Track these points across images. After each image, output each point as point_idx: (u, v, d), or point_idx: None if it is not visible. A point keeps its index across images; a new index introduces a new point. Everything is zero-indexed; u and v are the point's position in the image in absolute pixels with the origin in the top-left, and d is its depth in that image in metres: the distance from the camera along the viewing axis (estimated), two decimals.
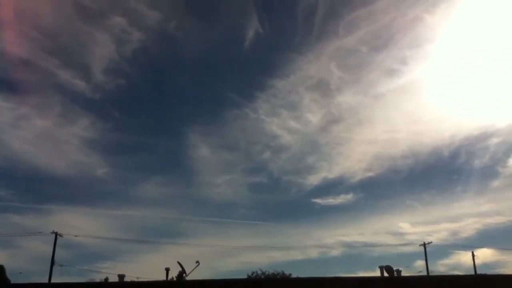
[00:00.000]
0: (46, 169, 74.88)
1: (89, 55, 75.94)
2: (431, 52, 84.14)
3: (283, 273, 44.39)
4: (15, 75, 71.98)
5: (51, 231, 45.02)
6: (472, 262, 53.12)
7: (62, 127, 75.74)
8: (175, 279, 27.65)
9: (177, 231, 74.72)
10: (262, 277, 42.79)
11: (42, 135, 74.28)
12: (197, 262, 27.31)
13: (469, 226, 71.40)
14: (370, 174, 76.99)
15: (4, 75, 70.83)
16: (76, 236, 47.57)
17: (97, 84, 73.78)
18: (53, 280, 40.80)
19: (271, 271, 45.04)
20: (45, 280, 40.72)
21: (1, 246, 59.73)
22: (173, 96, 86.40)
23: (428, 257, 52.01)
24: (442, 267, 61.32)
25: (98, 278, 42.26)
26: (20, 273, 47.88)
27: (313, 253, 69.61)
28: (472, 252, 53.52)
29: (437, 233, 72.60)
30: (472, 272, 50.04)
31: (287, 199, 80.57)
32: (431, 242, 52.69)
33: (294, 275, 41.15)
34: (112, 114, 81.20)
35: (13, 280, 43.17)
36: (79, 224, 61.68)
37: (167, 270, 27.14)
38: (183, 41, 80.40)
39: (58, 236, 45.02)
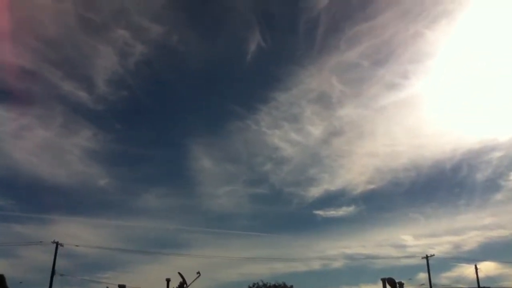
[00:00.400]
0: (47, 179, 74.79)
1: (92, 67, 76.30)
2: (431, 66, 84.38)
3: (284, 284, 44.14)
4: (18, 86, 72.57)
5: (52, 240, 44.83)
6: (475, 275, 52.63)
7: (64, 138, 75.85)
8: None
9: (178, 242, 74.32)
10: None
11: (44, 145, 74.45)
12: (198, 273, 27.23)
13: (471, 239, 70.97)
14: (372, 186, 76.83)
15: (7, 85, 71.19)
16: (77, 246, 47.42)
17: (100, 96, 74.17)
18: None
19: (272, 283, 44.80)
20: None
21: (2, 256, 59.48)
22: (175, 108, 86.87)
23: (430, 270, 51.66)
24: (445, 279, 60.79)
25: None
26: (21, 282, 47.76)
27: (315, 265, 69.11)
28: (475, 265, 53.07)
29: (440, 246, 72.10)
30: (475, 285, 49.65)
31: (289, 210, 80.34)
32: (434, 255, 52.31)
33: (295, 287, 40.91)
34: (114, 125, 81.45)
35: None
36: (80, 234, 61.45)
37: (168, 280, 27.10)
38: (185, 54, 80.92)
39: (59, 246, 44.85)
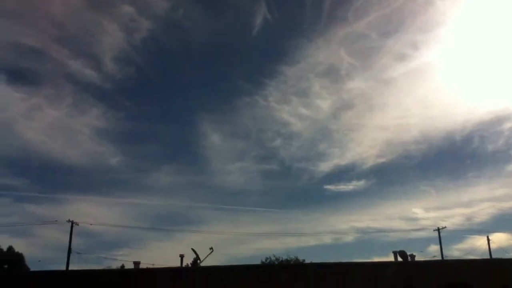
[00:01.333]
0: (59, 159, 75.92)
1: (98, 44, 76.22)
2: (442, 36, 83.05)
3: (296, 259, 44.61)
4: (25, 65, 72.74)
5: (67, 219, 45.76)
6: (487, 246, 52.82)
7: (74, 117, 76.61)
8: (189, 265, 27.93)
9: (190, 219, 75.52)
10: (276, 263, 43.03)
11: (55, 125, 75.23)
12: (211, 248, 27.46)
13: (483, 211, 71.00)
14: (382, 160, 76.65)
15: (15, 65, 71.42)
16: (91, 224, 48.35)
17: (108, 74, 74.26)
18: (71, 268, 41.61)
19: (284, 257, 45.29)
20: (63, 267, 41.58)
21: (19, 235, 61.14)
22: (183, 84, 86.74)
23: (442, 242, 51.88)
24: (456, 251, 61.16)
25: (115, 265, 43.05)
26: (39, 261, 49.20)
27: (326, 239, 69.93)
28: (487, 237, 53.21)
29: (451, 218, 72.40)
30: (488, 257, 49.78)
31: (299, 186, 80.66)
32: (445, 227, 52.52)
33: (307, 261, 41.31)
34: (123, 103, 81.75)
35: (32, 268, 44.34)
36: (94, 213, 62.70)
37: (182, 256, 27.39)
38: (191, 29, 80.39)
39: (74, 225, 45.72)
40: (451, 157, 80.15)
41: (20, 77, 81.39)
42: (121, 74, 77.15)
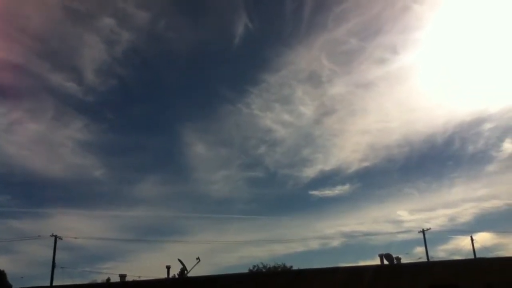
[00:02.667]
0: (42, 173, 74.60)
1: (80, 57, 75.45)
2: (420, 40, 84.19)
3: (284, 265, 44.60)
4: (5, 80, 71.59)
5: (51, 234, 44.99)
6: (471, 246, 53.54)
7: (56, 130, 75.47)
8: (176, 276, 27.72)
9: (176, 229, 74.97)
10: (264, 270, 42.94)
11: (37, 139, 73.97)
12: (198, 258, 27.38)
13: (466, 211, 72.00)
14: (366, 164, 77.31)
15: None
16: (75, 238, 47.66)
17: (89, 86, 73.49)
18: (55, 283, 40.79)
19: (272, 264, 45.25)
20: (47, 283, 40.76)
21: (1, 252, 59.67)
22: (166, 95, 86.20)
23: (427, 244, 52.41)
24: (441, 252, 61.83)
25: (100, 279, 42.40)
26: (22, 277, 48.23)
27: (314, 245, 69.91)
28: (471, 237, 53.88)
29: (435, 219, 73.34)
30: (472, 256, 50.45)
31: (285, 192, 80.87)
32: (430, 229, 53.05)
33: (295, 267, 41.32)
34: (106, 115, 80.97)
35: (15, 285, 43.22)
36: (78, 226, 61.69)
37: (168, 268, 27.19)
38: (173, 39, 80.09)
39: (57, 239, 44.99)
40: (433, 159, 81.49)
41: (0, 92, 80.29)
42: (103, 86, 76.68)
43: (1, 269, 46.07)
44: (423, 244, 52.23)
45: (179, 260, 27.17)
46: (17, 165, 71.85)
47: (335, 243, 69.12)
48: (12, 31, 68.79)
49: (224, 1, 78.83)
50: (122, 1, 73.24)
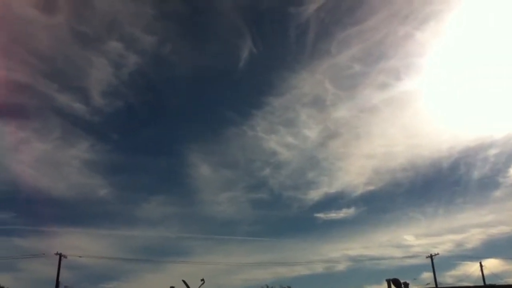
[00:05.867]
0: (47, 192, 74.58)
1: (87, 79, 76.31)
2: (423, 67, 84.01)
3: None
4: (14, 100, 72.84)
5: (55, 252, 44.86)
6: (479, 272, 52.52)
7: (62, 150, 75.61)
8: None
9: (180, 250, 74.16)
10: None
11: (43, 158, 74.30)
12: (202, 280, 27.09)
13: (474, 237, 70.88)
14: (371, 187, 76.71)
15: (4, 100, 71.45)
16: (80, 257, 47.35)
17: (96, 107, 74.27)
18: None
19: (277, 287, 44.67)
20: None
21: (5, 270, 59.25)
22: (171, 117, 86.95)
23: (435, 269, 51.55)
24: (449, 278, 60.56)
25: None
26: None
27: (318, 268, 68.86)
28: (480, 263, 52.95)
29: (442, 245, 71.97)
30: (481, 283, 49.49)
31: (289, 214, 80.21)
32: (438, 254, 52.28)
33: None
34: (111, 136, 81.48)
35: None
36: (82, 245, 61.41)
37: None
38: (178, 63, 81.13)
39: (62, 258, 44.82)
40: (439, 183, 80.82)
41: (8, 111, 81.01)
42: (109, 107, 77.45)
43: (6, 287, 45.93)
44: (430, 270, 51.36)
45: (184, 281, 26.92)
46: (23, 184, 72.03)
47: (341, 267, 67.93)
48: (21, 52, 70.40)
49: (229, 26, 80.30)
50: (129, 26, 75.06)
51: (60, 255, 44.76)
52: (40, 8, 67.61)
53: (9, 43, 69.31)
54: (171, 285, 26.90)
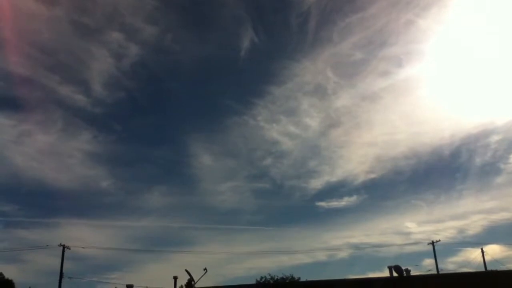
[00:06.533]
0: (50, 183, 75.05)
1: (88, 70, 76.39)
2: (425, 54, 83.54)
3: (292, 277, 44.16)
4: (16, 93, 72.89)
5: (58, 244, 45.13)
6: (481, 258, 52.79)
7: (65, 142, 76.15)
8: (184, 287, 27.57)
9: (183, 240, 74.77)
10: (271, 282, 42.57)
11: (46, 150, 74.58)
12: (205, 269, 27.16)
13: (475, 223, 71.19)
14: (372, 175, 76.85)
15: (6, 93, 71.58)
16: (83, 248, 47.65)
17: (98, 98, 74.38)
18: None
19: (280, 276, 44.83)
20: None
21: (9, 261, 59.87)
22: (173, 107, 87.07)
23: (436, 256, 51.76)
24: (451, 265, 61.00)
25: None
26: (30, 287, 48.28)
27: (321, 256, 69.45)
28: (482, 249, 53.16)
29: (444, 231, 72.53)
30: (483, 269, 49.71)
31: (291, 203, 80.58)
32: (440, 241, 52.46)
33: (303, 279, 40.94)
34: (114, 127, 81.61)
35: None
36: (85, 236, 61.74)
37: (175, 278, 27.12)
38: (179, 53, 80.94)
39: (65, 249, 45.07)
40: (441, 171, 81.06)
41: (10, 104, 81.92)
42: (111, 98, 77.58)
43: (10, 278, 46.26)
44: (432, 256, 51.72)
45: (186, 271, 27.01)
46: (26, 176, 72.52)
47: (343, 254, 68.54)
48: (22, 45, 70.15)
49: (230, 15, 79.93)
50: (130, 16, 74.78)
51: (64, 247, 45.02)
52: (41, 0, 67.53)
53: (10, 36, 69.06)
54: (174, 275, 26.99)
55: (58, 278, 43.72)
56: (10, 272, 50.25)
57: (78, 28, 73.36)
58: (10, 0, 64.66)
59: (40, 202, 75.35)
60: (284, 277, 44.39)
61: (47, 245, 46.29)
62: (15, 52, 69.75)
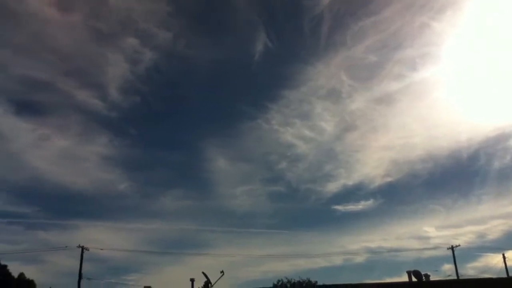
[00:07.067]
0: (69, 186, 76.20)
1: (104, 75, 77.83)
2: (440, 57, 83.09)
3: (309, 280, 43.86)
4: (34, 98, 74.66)
5: (77, 245, 45.71)
6: (502, 264, 51.58)
7: (82, 146, 77.25)
8: None
9: (199, 242, 74.98)
10: (288, 285, 42.37)
11: (64, 153, 75.89)
12: (222, 272, 27.26)
13: (495, 228, 69.67)
14: (389, 179, 75.96)
15: (25, 98, 73.33)
16: (101, 249, 48.18)
17: (113, 103, 75.51)
18: None
19: (296, 279, 44.59)
20: None
21: (30, 262, 60.85)
22: (187, 111, 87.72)
23: (456, 261, 50.83)
24: (471, 270, 59.77)
25: None
26: (50, 287, 48.99)
27: (337, 260, 68.85)
28: (503, 254, 51.99)
29: (463, 236, 71.06)
30: (504, 275, 48.65)
31: (307, 207, 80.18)
32: (459, 245, 51.52)
33: (320, 283, 40.62)
34: (129, 131, 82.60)
35: None
36: (103, 238, 62.68)
37: (192, 280, 27.24)
38: (193, 57, 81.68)
39: (84, 250, 45.63)
40: (458, 174, 79.82)
41: (28, 108, 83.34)
42: (126, 103, 78.68)
43: (31, 279, 47.08)
44: (451, 261, 50.68)
45: (203, 273, 27.13)
46: (45, 179, 73.85)
47: (360, 259, 67.65)
48: (40, 51, 71.84)
49: (244, 20, 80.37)
50: (144, 22, 75.88)
51: (82, 248, 45.58)
52: (57, 6, 69.08)
53: (28, 42, 70.84)
54: (191, 277, 27.11)
55: (77, 279, 44.30)
56: (30, 273, 51.17)
57: (94, 34, 74.86)
58: (28, 7, 66.64)
59: (59, 204, 76.50)
60: (301, 280, 44.07)
61: (66, 247, 46.94)
62: (33, 58, 71.63)
